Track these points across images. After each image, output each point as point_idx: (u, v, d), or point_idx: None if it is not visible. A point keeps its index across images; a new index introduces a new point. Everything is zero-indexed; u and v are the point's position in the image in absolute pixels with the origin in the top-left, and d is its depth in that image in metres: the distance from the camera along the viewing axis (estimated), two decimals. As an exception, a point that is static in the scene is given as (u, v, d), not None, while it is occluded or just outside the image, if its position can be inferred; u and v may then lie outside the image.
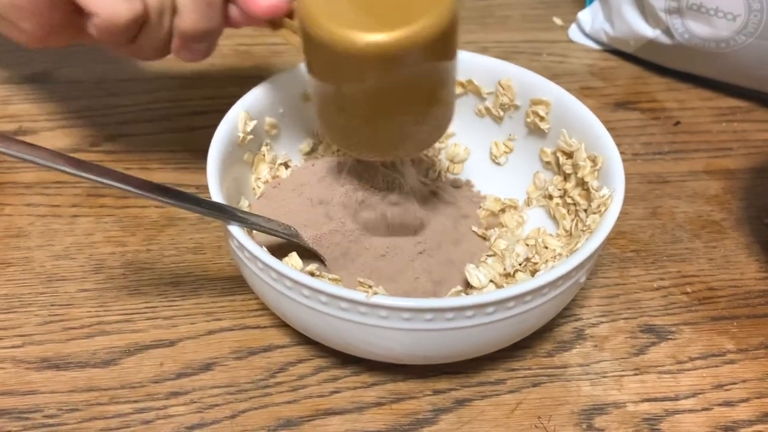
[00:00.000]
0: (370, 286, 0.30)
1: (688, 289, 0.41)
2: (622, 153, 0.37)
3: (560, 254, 0.37)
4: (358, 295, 0.29)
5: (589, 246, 0.32)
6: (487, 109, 0.43)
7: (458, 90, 0.43)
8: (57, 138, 0.49)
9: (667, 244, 0.43)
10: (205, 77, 0.55)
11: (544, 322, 0.35)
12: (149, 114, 0.51)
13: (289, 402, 0.35)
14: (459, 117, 0.44)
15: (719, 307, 0.40)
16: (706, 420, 0.35)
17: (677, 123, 0.53)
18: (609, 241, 0.43)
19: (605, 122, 0.39)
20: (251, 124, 0.39)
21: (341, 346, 0.34)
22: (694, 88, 0.56)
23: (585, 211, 0.38)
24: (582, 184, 0.39)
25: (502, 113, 0.43)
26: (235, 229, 0.32)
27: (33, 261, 0.41)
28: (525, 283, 0.30)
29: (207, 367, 0.36)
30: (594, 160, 0.38)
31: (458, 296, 0.32)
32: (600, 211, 0.35)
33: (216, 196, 0.34)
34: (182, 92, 0.53)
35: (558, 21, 0.63)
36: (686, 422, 0.35)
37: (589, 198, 0.38)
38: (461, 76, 0.43)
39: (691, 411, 0.35)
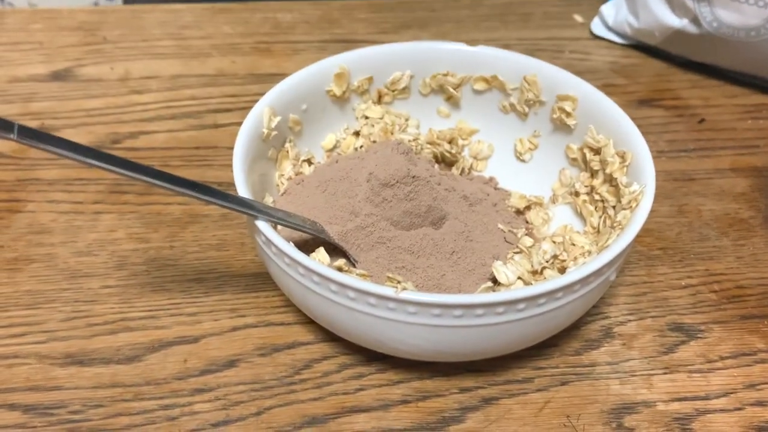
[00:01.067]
0: (399, 282, 0.30)
1: (717, 288, 0.40)
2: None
3: (589, 251, 0.36)
4: (387, 290, 0.29)
5: (621, 242, 0.32)
6: (511, 105, 0.43)
7: (482, 86, 0.43)
8: (79, 135, 0.49)
9: (695, 242, 0.43)
10: (227, 75, 0.55)
11: (573, 320, 0.35)
12: (171, 111, 0.51)
13: (314, 399, 0.35)
14: (483, 113, 0.44)
15: (749, 306, 0.39)
16: (738, 420, 0.34)
17: (702, 120, 0.52)
18: (636, 238, 0.43)
19: (629, 119, 0.38)
20: (275, 120, 0.38)
21: (369, 343, 0.33)
22: (718, 85, 0.55)
23: (613, 207, 0.38)
24: (610, 180, 0.38)
25: (527, 109, 0.43)
26: (262, 225, 0.32)
27: (56, 257, 0.41)
28: (557, 279, 0.30)
29: (231, 363, 0.36)
30: (623, 156, 0.37)
31: (488, 292, 0.31)
32: (631, 206, 0.35)
33: (242, 191, 0.33)
34: (204, 90, 0.53)
35: (579, 18, 0.63)
36: (718, 422, 0.34)
37: (617, 194, 0.37)
38: (485, 71, 0.43)
39: (722, 411, 0.34)
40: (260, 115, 0.38)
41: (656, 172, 0.47)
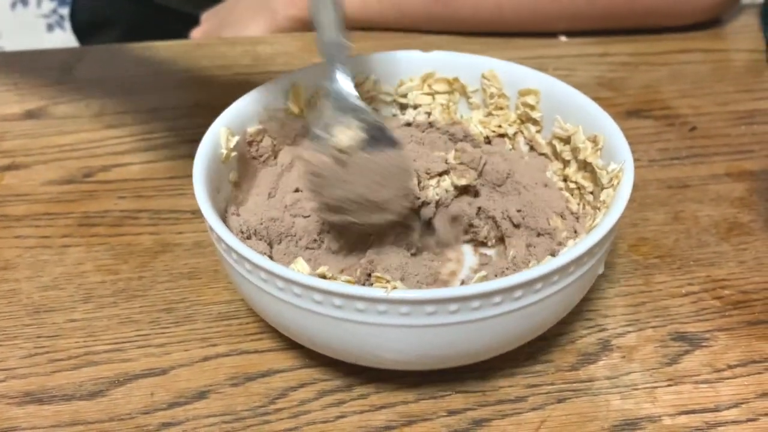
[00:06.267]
0: (387, 281, 0.28)
1: (720, 294, 0.38)
2: (637, 160, 0.36)
3: (575, 231, 0.35)
4: (377, 291, 0.27)
5: (611, 217, 0.31)
6: (476, 105, 0.42)
7: (444, 87, 0.42)
8: (50, 171, 0.47)
9: (693, 249, 0.41)
10: (204, 106, 0.54)
11: (564, 314, 0.33)
12: (146, 144, 0.50)
13: (290, 429, 0.32)
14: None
15: (756, 311, 0.37)
16: (753, 431, 0.31)
17: (693, 128, 0.50)
18: (630, 247, 0.41)
19: (617, 131, 0.37)
20: (233, 140, 0.37)
21: (355, 356, 0.31)
22: (709, 94, 0.54)
23: (591, 193, 0.37)
24: (585, 166, 0.37)
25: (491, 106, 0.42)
26: (232, 241, 0.30)
27: (20, 293, 0.39)
28: (549, 263, 0.28)
29: (201, 395, 0.33)
30: (594, 140, 0.37)
31: (482, 282, 0.29)
32: (613, 185, 0.34)
33: (206, 209, 0.32)
34: (180, 122, 0.52)
35: (563, 38, 0.62)
36: (731, 434, 0.31)
37: (594, 179, 0.36)
38: (447, 73, 0.42)
39: (735, 422, 0.32)
40: (217, 136, 0.36)
41: (649, 180, 0.46)
